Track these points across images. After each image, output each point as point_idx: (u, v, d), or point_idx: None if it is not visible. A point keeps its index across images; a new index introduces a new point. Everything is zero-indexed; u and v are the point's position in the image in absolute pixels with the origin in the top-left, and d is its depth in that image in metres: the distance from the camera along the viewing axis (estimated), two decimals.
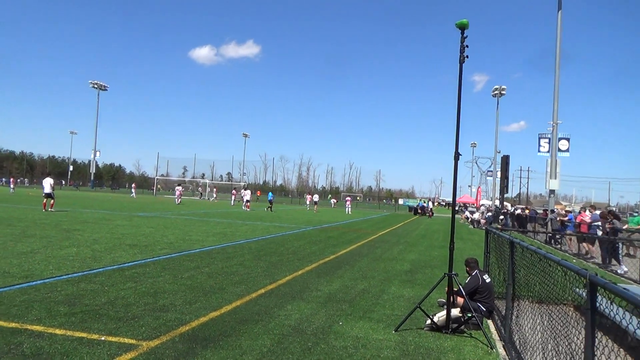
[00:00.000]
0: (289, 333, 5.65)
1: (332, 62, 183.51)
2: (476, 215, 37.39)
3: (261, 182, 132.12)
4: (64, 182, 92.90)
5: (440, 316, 6.19)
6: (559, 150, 35.56)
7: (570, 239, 21.13)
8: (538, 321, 4.92)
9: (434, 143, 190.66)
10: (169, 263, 9.97)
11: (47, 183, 23.80)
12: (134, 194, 58.10)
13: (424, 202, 61.29)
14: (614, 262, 15.46)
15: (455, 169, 6.14)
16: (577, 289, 4.10)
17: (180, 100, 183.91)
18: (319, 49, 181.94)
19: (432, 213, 51.69)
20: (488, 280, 7.19)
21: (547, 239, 24.25)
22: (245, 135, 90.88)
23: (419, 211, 52.18)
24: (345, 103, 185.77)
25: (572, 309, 5.03)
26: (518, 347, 5.38)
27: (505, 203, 52.53)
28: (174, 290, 7.44)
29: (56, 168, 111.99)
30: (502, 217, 31.09)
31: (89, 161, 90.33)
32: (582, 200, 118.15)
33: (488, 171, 75.11)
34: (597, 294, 2.86)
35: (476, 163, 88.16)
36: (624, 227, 17.59)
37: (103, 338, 4.99)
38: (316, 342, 5.40)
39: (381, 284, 9.25)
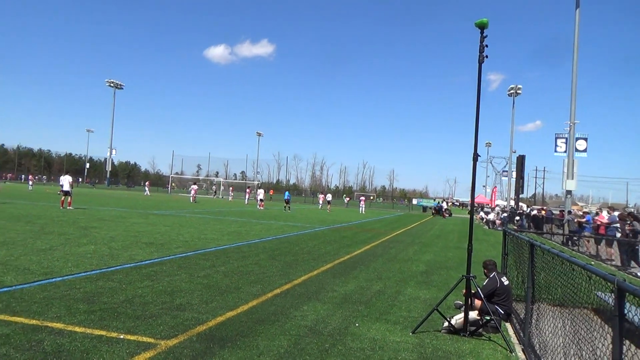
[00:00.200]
0: (306, 334, 5.64)
1: (346, 61, 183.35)
2: (491, 216, 37.05)
3: (274, 181, 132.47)
4: (80, 180, 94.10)
5: (458, 319, 6.12)
6: (577, 150, 35.05)
7: (588, 241, 20.83)
8: (559, 325, 4.84)
9: (448, 143, 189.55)
10: (184, 262, 10.03)
11: (66, 180, 24.12)
12: (147, 191, 58.59)
13: (440, 202, 60.96)
14: (633, 264, 15.20)
15: (474, 169, 6.07)
16: (599, 293, 4.03)
17: (195, 98, 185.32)
18: (333, 48, 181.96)
19: (451, 213, 51.56)
20: (506, 282, 7.10)
21: (564, 241, 23.94)
22: (259, 134, 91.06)
23: (437, 211, 51.59)
24: (358, 102, 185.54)
25: (591, 312, 4.95)
26: (538, 351, 5.31)
27: (520, 204, 52.01)
28: (190, 289, 7.47)
29: (73, 165, 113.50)
30: (517, 218, 30.74)
31: (105, 159, 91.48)
32: (599, 201, 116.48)
33: (503, 171, 74.38)
34: (625, 301, 2.80)
35: (491, 163, 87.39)
36: None
37: (122, 336, 5.02)
38: (333, 343, 5.38)
39: (397, 285, 9.19)
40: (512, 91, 56.88)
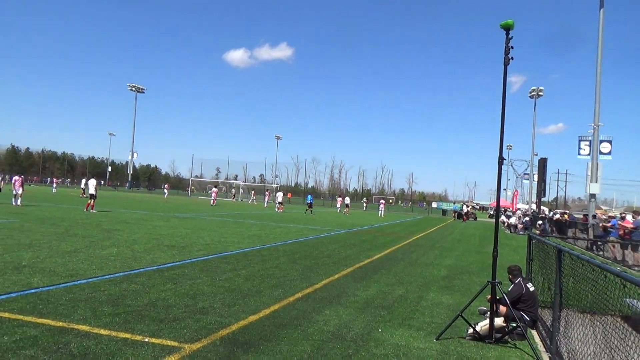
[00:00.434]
0: (329, 339, 5.60)
1: (365, 64, 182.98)
2: (513, 220, 36.51)
3: (293, 184, 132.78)
4: (102, 183, 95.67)
5: (483, 325, 6.02)
6: (601, 153, 34.34)
7: (614, 246, 20.35)
8: (590, 333, 4.71)
9: (468, 145, 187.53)
10: (206, 265, 10.09)
11: (91, 184, 24.53)
12: (166, 194, 59.19)
13: (461, 205, 60.35)
14: None
15: (499, 173, 5.97)
16: (629, 300, 3.91)
17: (214, 102, 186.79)
18: (351, 51, 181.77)
19: (475, 217, 51.20)
20: (532, 288, 6.95)
21: (589, 245, 23.44)
22: (278, 137, 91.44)
23: (459, 215, 50.90)
24: (377, 105, 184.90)
25: (618, 319, 4.81)
26: (566, 359, 5.18)
27: (542, 207, 51.16)
28: (212, 293, 7.50)
29: (95, 168, 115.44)
30: (540, 222, 30.22)
31: (127, 162, 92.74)
32: (623, 205, 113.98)
33: (524, 174, 73.35)
34: None
35: (512, 166, 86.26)
36: None
37: (146, 339, 5.05)
38: (356, 349, 5.33)
39: (419, 290, 9.10)
40: (533, 93, 56.10)
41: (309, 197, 41.59)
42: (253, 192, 66.89)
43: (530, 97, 56.49)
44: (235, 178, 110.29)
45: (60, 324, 5.37)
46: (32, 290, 6.76)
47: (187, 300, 6.92)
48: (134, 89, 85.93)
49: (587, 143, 38.41)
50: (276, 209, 39.80)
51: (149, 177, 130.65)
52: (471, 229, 33.57)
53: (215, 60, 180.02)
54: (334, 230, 22.19)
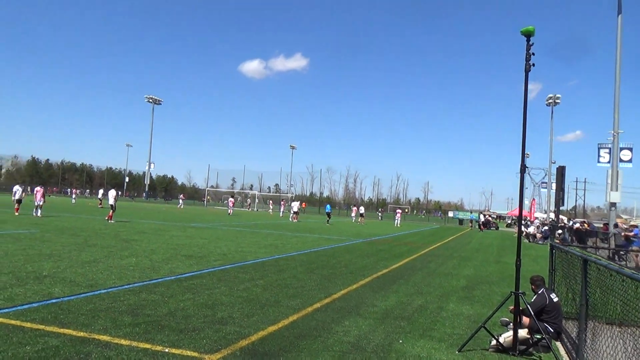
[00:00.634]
0: (349, 350, 5.53)
1: (379, 74, 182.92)
2: (531, 229, 35.97)
3: (308, 194, 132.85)
4: (120, 193, 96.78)
5: (506, 337, 5.89)
6: (621, 160, 33.75)
7: (637, 255, 19.90)
8: (619, 345, 4.58)
9: (483, 154, 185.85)
10: (223, 274, 10.09)
11: (111, 195, 24.83)
12: (181, 204, 59.55)
13: (478, 214, 59.77)
14: None
15: (522, 181, 5.87)
16: None
17: (230, 113, 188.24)
18: (365, 60, 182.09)
19: (497, 227, 51.23)
20: (556, 299, 6.80)
21: (610, 255, 22.97)
22: (293, 147, 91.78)
23: (484, 225, 50.56)
24: (392, 114, 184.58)
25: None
26: None
27: (560, 216, 50.37)
28: (231, 303, 7.48)
29: (113, 179, 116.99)
30: (560, 231, 29.72)
31: (144, 173, 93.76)
32: None
33: (542, 182, 72.34)
34: None
35: (529, 174, 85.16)
36: None
37: (167, 350, 5.04)
38: None
39: (438, 300, 8.97)
40: (550, 101, 55.55)
41: (328, 206, 41.54)
42: (271, 201, 67.02)
43: (547, 104, 55.95)
44: (251, 188, 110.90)
45: (82, 334, 5.39)
46: (54, 300, 6.82)
47: (206, 310, 6.91)
48: (151, 100, 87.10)
49: (607, 151, 37.78)
50: (291, 219, 39.81)
51: (165, 188, 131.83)
52: (489, 238, 33.16)
53: (231, 71, 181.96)
54: (350, 240, 22.09)
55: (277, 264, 12.28)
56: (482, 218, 52.72)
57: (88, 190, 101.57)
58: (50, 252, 11.62)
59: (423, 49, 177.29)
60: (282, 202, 53.72)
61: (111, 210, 24.04)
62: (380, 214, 69.35)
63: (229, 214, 43.30)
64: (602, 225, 35.93)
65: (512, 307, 6.85)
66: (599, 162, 38.32)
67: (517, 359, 5.70)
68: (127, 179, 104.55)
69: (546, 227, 34.98)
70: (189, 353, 5.01)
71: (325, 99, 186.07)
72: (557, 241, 28.45)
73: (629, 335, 4.23)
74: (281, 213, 49.80)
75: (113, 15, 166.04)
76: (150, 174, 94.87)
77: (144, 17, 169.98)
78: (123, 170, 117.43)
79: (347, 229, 32.35)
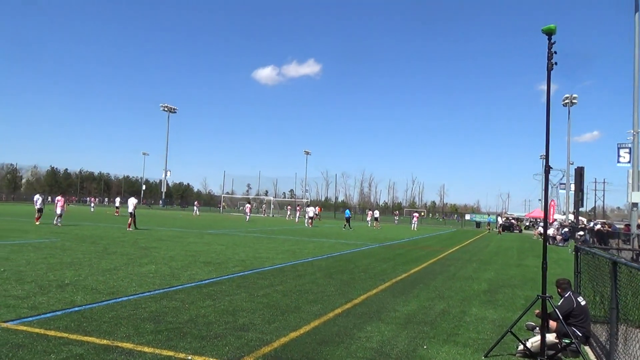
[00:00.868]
0: (373, 357, 5.45)
1: (393, 78, 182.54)
2: (550, 231, 35.41)
3: (323, 199, 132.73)
4: (137, 201, 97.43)
5: (534, 342, 5.75)
6: None
7: None
8: None
9: (499, 156, 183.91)
10: (243, 281, 10.07)
11: (131, 203, 25.09)
12: (196, 211, 59.84)
13: (496, 217, 59.27)
14: None
15: (546, 182, 5.75)
16: None
17: (244, 119, 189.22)
18: (378, 64, 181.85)
19: (521, 229, 51.34)
20: (583, 302, 6.64)
21: (634, 257, 22.46)
22: (307, 153, 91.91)
23: (506, 228, 50.58)
24: (406, 117, 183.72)
25: None
26: None
27: (580, 217, 49.56)
28: (251, 309, 7.45)
29: (130, 187, 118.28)
30: (581, 232, 29.19)
31: (160, 180, 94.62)
32: None
33: (560, 184, 71.28)
34: None
35: None
36: None
37: (190, 357, 5.02)
38: None
39: (461, 305, 8.83)
40: (567, 101, 54.85)
41: (347, 211, 41.39)
42: (289, 207, 66.91)
43: (563, 105, 55.23)
44: (266, 194, 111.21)
45: (105, 341, 5.39)
46: (76, 308, 6.86)
47: (227, 316, 6.89)
48: (166, 109, 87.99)
49: (627, 150, 37.10)
50: (306, 224, 39.78)
51: (182, 195, 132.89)
52: (507, 241, 32.73)
53: (245, 78, 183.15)
54: (367, 245, 21.97)
55: (295, 269, 12.24)
56: (499, 220, 52.13)
57: (106, 199, 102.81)
58: (71, 260, 11.73)
59: (436, 52, 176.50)
60: (297, 208, 53.81)
61: (130, 218, 24.27)
62: (396, 217, 68.91)
63: (247, 220, 43.44)
64: (623, 226, 35.23)
65: (537, 311, 6.70)
66: (619, 162, 37.62)
67: None
68: (144, 187, 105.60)
69: (566, 229, 34.40)
70: None
71: (339, 104, 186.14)
72: (578, 243, 27.96)
73: None
74: (297, 218, 49.85)
75: (127, 26, 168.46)
76: (167, 181, 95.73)
77: (157, 27, 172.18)
78: (140, 178, 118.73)
79: (363, 233, 32.20)
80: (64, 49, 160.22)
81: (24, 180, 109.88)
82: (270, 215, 68.72)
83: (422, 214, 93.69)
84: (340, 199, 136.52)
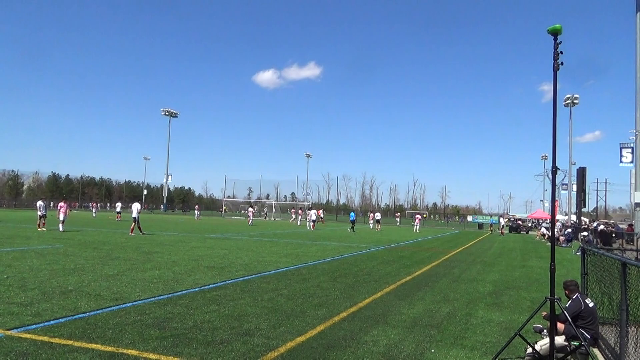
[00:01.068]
0: None
1: (392, 79, 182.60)
2: None
3: (324, 202, 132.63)
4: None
5: (543, 344, 5.68)
6: None
7: None
8: None
9: (501, 157, 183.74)
10: (247, 285, 10.03)
11: (135, 208, 25.06)
12: (196, 215, 59.86)
13: (498, 218, 59.19)
14: None
15: (553, 182, 5.70)
16: None
17: (245, 123, 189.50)
18: (378, 66, 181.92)
19: (528, 230, 52.11)
20: (591, 304, 6.57)
21: (638, 257, 22.37)
22: (308, 156, 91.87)
23: (514, 229, 51.62)
24: (407, 119, 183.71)
25: None
26: None
27: (582, 218, 49.45)
28: (256, 314, 7.40)
29: (132, 192, 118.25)
30: (585, 233, 29.09)
31: (162, 185, 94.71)
32: None
33: (562, 184, 71.18)
34: None
35: (547, 176, 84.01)
36: None
37: None
38: None
39: (466, 307, 8.77)
40: (568, 101, 54.87)
41: (352, 214, 41.28)
42: (293, 210, 66.55)
43: (565, 105, 55.25)
44: (267, 197, 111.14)
45: (110, 348, 5.35)
46: (80, 315, 6.81)
47: (232, 321, 6.84)
48: (167, 113, 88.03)
49: (630, 150, 37.05)
50: (309, 227, 39.71)
51: (183, 199, 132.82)
52: (510, 242, 32.63)
53: (245, 82, 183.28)
54: (370, 247, 21.90)
55: (299, 273, 12.19)
56: (502, 222, 52.03)
57: (108, 204, 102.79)
58: (74, 266, 11.69)
59: (436, 54, 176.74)
60: (299, 211, 53.74)
61: (133, 223, 24.23)
62: (398, 219, 68.68)
63: (250, 224, 43.39)
64: (626, 227, 35.14)
65: (545, 313, 6.64)
66: (621, 162, 37.57)
67: None
68: (145, 192, 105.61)
69: (569, 230, 34.29)
70: None
71: (339, 107, 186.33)
72: (581, 244, 27.86)
73: None
74: (299, 222, 49.78)
75: (128, 32, 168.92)
76: (168, 186, 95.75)
77: (158, 32, 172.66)
78: (141, 183, 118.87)
79: (366, 236, 32.13)
80: (64, 54, 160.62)
81: (25, 187, 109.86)
82: (272, 218, 68.62)
83: (425, 215, 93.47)
84: (341, 202, 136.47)
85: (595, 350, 6.40)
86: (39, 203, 25.71)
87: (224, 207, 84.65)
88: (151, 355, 5.16)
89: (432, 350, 5.90)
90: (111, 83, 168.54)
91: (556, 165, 5.56)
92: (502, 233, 46.07)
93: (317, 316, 7.43)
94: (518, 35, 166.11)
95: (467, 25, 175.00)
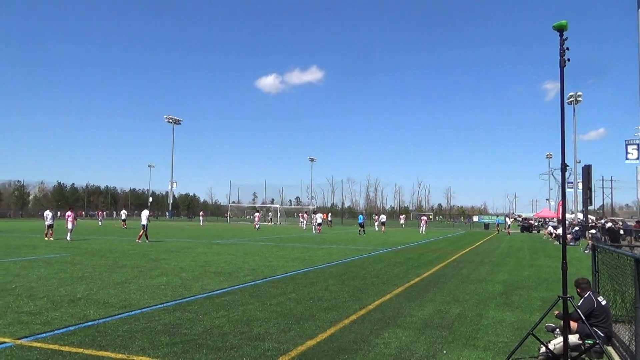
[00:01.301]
0: None
1: (395, 81, 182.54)
2: (561, 230, 35.11)
3: (329, 205, 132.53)
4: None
5: (556, 343, 5.62)
6: None
7: None
8: None
9: (505, 157, 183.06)
10: (255, 290, 10.00)
11: (144, 215, 25.12)
12: (201, 221, 60.00)
13: (504, 218, 59.08)
14: None
15: (563, 179, 5.65)
16: None
17: (249, 128, 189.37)
18: (381, 68, 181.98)
19: (539, 229, 52.18)
20: (604, 302, 6.50)
21: None
22: (312, 160, 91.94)
23: (525, 229, 51.75)
24: (410, 121, 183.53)
25: None
26: None
27: (589, 216, 49.16)
28: (265, 318, 7.37)
29: (137, 200, 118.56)
30: (593, 231, 28.91)
31: (167, 192, 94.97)
32: None
33: (567, 183, 70.86)
34: None
35: (552, 175, 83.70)
36: None
37: None
38: None
39: (477, 308, 8.70)
40: (571, 99, 54.65)
41: (360, 217, 41.16)
42: (300, 214, 66.45)
43: (568, 103, 55.02)
44: (272, 202, 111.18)
45: (120, 355, 5.33)
46: (90, 323, 6.80)
47: (242, 326, 6.81)
48: (171, 120, 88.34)
49: (635, 147, 36.89)
50: (314, 231, 39.68)
51: (188, 206, 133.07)
52: (517, 242, 32.46)
53: (248, 87, 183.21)
54: (377, 250, 21.83)
55: (307, 277, 12.15)
56: (508, 221, 51.81)
57: (114, 212, 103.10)
58: (82, 274, 11.70)
59: (438, 55, 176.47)
60: (304, 215, 53.71)
61: (142, 230, 24.28)
62: (403, 221, 68.22)
63: (257, 228, 43.39)
64: (634, 224, 34.91)
65: (558, 312, 6.58)
66: (627, 159, 37.41)
67: None
68: (150, 199, 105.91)
69: (577, 228, 34.10)
70: None
71: (342, 110, 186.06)
72: (590, 241, 27.68)
73: None
74: (304, 226, 49.75)
75: (130, 40, 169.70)
76: (173, 192, 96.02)
77: (159, 40, 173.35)
78: (146, 190, 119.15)
79: (372, 238, 32.05)
80: (67, 63, 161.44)
81: (31, 197, 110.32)
82: (278, 223, 68.61)
83: (430, 217, 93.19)
84: (346, 205, 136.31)
85: (610, 349, 6.33)
86: (47, 212, 25.80)
87: (229, 213, 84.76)
88: None
89: (445, 352, 5.85)
90: (113, 91, 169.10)
91: (565, 162, 5.51)
92: (508, 233, 45.86)
93: (327, 319, 7.39)
94: (518, 35, 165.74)
95: (468, 26, 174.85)
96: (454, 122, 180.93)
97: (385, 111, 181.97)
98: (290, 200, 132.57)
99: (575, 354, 5.56)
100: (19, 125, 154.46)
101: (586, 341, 5.73)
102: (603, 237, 31.38)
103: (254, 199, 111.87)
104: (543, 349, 5.67)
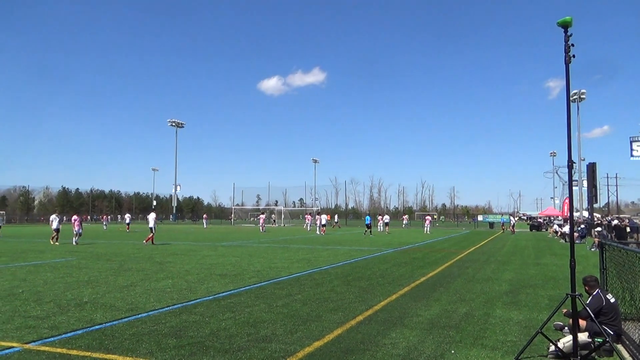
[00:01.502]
0: None
1: (398, 81, 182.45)
2: (567, 229, 34.96)
3: (333, 206, 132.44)
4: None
5: (565, 342, 5.58)
6: None
7: None
8: None
9: (509, 156, 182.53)
10: (260, 291, 9.99)
11: (151, 218, 25.15)
12: (205, 224, 60.16)
13: (508, 217, 58.96)
14: None
15: (570, 177, 5.62)
16: None
17: (251, 131, 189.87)
18: (383, 68, 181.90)
19: (547, 228, 52.47)
20: (613, 300, 6.46)
21: None
22: (315, 161, 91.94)
23: (534, 228, 52.56)
24: (413, 121, 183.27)
25: None
26: None
27: (594, 214, 48.93)
28: (272, 320, 7.35)
29: (141, 204, 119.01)
30: (599, 228, 28.77)
31: (170, 196, 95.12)
32: None
33: (572, 180, 70.53)
34: None
35: (557, 173, 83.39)
36: None
37: None
38: None
39: (484, 307, 8.66)
40: (575, 97, 54.49)
41: (367, 218, 41.07)
42: (307, 215, 66.36)
43: (572, 101, 54.84)
44: (276, 204, 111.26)
45: (128, 359, 5.32)
46: (97, 327, 6.80)
47: (248, 328, 6.79)
48: (174, 124, 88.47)
49: None
50: (319, 232, 39.66)
51: (192, 209, 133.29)
52: (522, 240, 32.34)
53: (251, 90, 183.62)
54: (381, 250, 21.79)
55: (312, 278, 12.13)
56: (512, 220, 51.61)
57: (119, 216, 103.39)
58: (88, 278, 11.72)
59: (440, 55, 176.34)
60: (308, 216, 53.71)
61: (150, 233, 24.33)
62: (406, 221, 68.05)
63: (262, 230, 43.40)
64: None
65: (566, 310, 6.54)
66: (632, 155, 37.32)
67: None
68: (154, 203, 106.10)
69: (582, 226, 33.95)
70: None
71: (345, 111, 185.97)
72: (596, 240, 27.55)
73: None
74: (309, 227, 49.74)
75: (132, 44, 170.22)
76: (177, 196, 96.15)
77: (161, 43, 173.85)
78: (150, 194, 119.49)
79: (376, 239, 32.00)
80: (71, 69, 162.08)
81: (36, 202, 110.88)
82: (282, 224, 68.62)
83: (435, 217, 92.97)
84: (350, 206, 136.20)
85: (620, 347, 6.28)
86: (53, 217, 25.88)
87: (233, 215, 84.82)
88: None
89: (453, 351, 5.82)
90: (116, 96, 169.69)
91: (571, 159, 5.48)
92: (513, 231, 45.71)
93: (334, 320, 7.37)
94: (519, 33, 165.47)
95: (470, 26, 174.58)
96: (457, 121, 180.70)
97: (388, 111, 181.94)
98: (293, 201, 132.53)
99: (584, 352, 5.51)
100: (24, 132, 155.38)
101: (596, 339, 5.69)
102: (609, 235, 31.24)
103: (257, 201, 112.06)
104: (552, 348, 5.63)
